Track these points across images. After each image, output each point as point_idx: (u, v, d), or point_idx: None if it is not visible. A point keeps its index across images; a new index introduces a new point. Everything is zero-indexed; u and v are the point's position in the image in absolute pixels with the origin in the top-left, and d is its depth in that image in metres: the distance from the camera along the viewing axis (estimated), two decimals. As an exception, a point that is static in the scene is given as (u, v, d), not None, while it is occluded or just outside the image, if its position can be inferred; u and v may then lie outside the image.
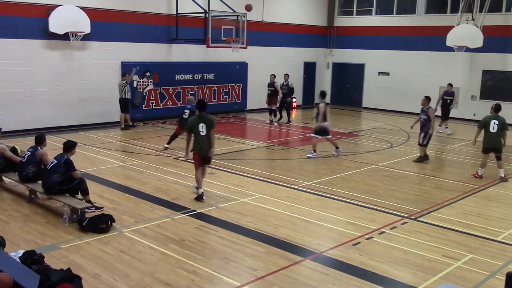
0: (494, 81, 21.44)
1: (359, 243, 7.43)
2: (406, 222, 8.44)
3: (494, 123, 11.42)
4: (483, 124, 11.63)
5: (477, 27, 20.08)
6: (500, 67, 21.05)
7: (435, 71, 22.47)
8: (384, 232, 7.93)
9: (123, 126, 16.81)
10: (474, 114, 21.29)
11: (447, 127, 18.13)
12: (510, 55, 20.64)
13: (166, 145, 13.76)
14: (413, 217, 8.72)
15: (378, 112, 23.77)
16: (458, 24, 20.50)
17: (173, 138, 13.84)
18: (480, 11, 20.63)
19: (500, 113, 11.60)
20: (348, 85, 25.76)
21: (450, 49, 20.49)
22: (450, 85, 17.84)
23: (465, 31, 20.08)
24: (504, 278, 3.49)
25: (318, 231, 8.01)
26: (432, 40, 21.82)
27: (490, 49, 20.33)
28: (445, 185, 10.98)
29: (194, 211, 8.67)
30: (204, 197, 9.30)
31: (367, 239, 7.60)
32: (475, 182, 11.32)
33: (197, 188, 9.46)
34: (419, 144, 13.33)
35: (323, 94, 13.82)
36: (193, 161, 9.71)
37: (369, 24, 24.66)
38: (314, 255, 6.95)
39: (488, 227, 8.30)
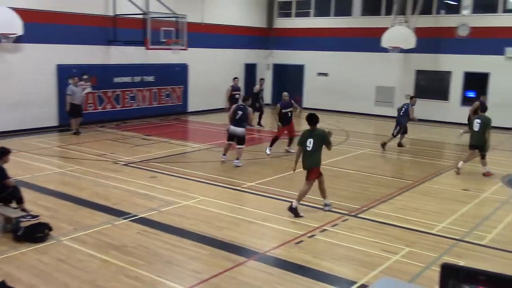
0: (427, 80, 22.35)
1: (302, 241, 7.53)
2: (347, 219, 8.64)
3: (477, 122, 12.09)
4: (471, 124, 12.71)
5: (410, 29, 20.84)
6: (432, 67, 21.97)
7: (371, 71, 23.15)
8: (326, 230, 8.07)
9: (75, 131, 16.21)
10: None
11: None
12: (441, 55, 21.58)
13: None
14: (353, 214, 8.94)
15: (318, 112, 23.98)
16: (392, 26, 21.20)
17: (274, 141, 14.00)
18: (413, 13, 21.44)
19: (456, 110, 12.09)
20: (289, 86, 26.10)
21: (386, 50, 21.16)
22: None
23: (398, 33, 20.79)
24: (439, 269, 3.64)
25: (261, 231, 8.06)
26: (368, 41, 22.45)
27: (422, 50, 21.15)
28: (384, 182, 11.32)
29: (136, 216, 8.51)
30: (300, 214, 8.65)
31: (310, 237, 7.72)
32: (411, 178, 11.74)
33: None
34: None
35: (245, 99, 13.34)
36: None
37: (308, 25, 25.10)
38: (258, 255, 6.98)
39: (424, 221, 8.62)
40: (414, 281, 6.14)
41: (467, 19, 21.01)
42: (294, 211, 8.63)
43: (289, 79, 26.07)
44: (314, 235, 7.82)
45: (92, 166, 12.00)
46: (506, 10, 20.83)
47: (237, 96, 18.13)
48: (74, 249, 7.03)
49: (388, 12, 22.52)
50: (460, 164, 12.26)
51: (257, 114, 18.58)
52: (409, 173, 12.37)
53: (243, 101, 13.26)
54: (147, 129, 17.71)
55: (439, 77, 21.98)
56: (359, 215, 8.88)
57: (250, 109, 12.84)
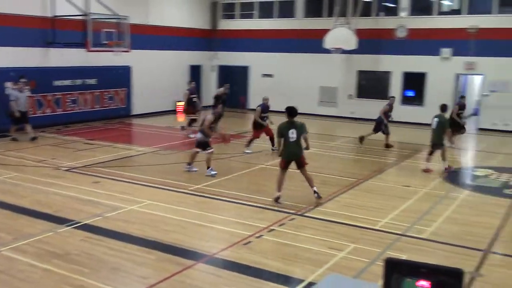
0: (368, 80, 22.97)
1: (250, 242, 7.55)
2: (294, 219, 8.73)
3: (435, 121, 12.66)
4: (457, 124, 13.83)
5: (351, 30, 21.34)
6: (373, 68, 22.59)
7: (315, 72, 23.54)
8: (273, 229, 8.14)
9: (33, 136, 15.55)
10: (352, 112, 22.68)
11: None
12: (382, 56, 22.22)
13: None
14: (300, 213, 9.05)
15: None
16: (334, 28, 21.63)
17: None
18: (354, 15, 21.97)
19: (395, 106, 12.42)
20: (234, 87, 26.13)
21: (328, 51, 21.56)
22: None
23: (340, 34, 21.24)
24: (383, 264, 3.75)
25: (209, 233, 8.02)
26: (311, 42, 22.81)
27: (363, 51, 21.70)
28: (329, 181, 11.52)
29: (79, 222, 8.27)
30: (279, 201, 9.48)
31: (258, 237, 7.75)
32: (356, 176, 12.01)
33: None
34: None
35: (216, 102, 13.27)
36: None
37: (252, 27, 25.23)
38: (205, 258, 6.95)
39: (368, 217, 8.85)
40: (359, 277, 6.29)
41: (405, 21, 21.75)
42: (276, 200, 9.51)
43: (234, 81, 26.07)
44: (262, 235, 7.86)
45: (33, 173, 11.57)
46: (441, 13, 21.71)
47: (194, 99, 17.73)
48: (14, 259, 6.75)
49: (330, 14, 22.97)
50: (428, 165, 12.65)
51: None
52: (354, 171, 12.65)
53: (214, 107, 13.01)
54: (90, 133, 17.26)
55: (380, 77, 22.63)
56: (306, 214, 9.00)
57: (209, 116, 12.10)
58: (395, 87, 22.17)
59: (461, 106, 16.13)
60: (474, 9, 20.80)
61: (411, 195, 10.43)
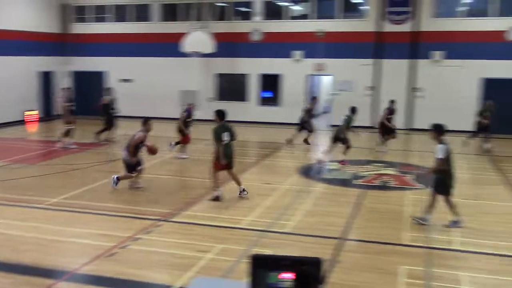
0: (227, 83, 23.47)
1: (115, 253, 7.31)
2: (160, 225, 8.63)
3: (343, 119, 14.16)
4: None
5: (208, 34, 21.61)
6: (231, 70, 23.14)
7: (174, 76, 23.47)
8: (140, 238, 7.96)
9: None
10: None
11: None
12: (239, 59, 22.86)
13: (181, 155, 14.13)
14: (166, 218, 8.96)
15: (124, 119, 23.65)
16: (191, 31, 21.72)
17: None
18: (210, 19, 22.30)
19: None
20: (91, 93, 25.03)
21: (187, 54, 21.62)
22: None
23: (197, 38, 21.39)
24: (248, 261, 3.88)
25: (70, 249, 7.61)
26: (169, 46, 22.67)
27: (221, 54, 22.12)
28: (193, 184, 11.58)
29: None
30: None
31: (123, 248, 7.53)
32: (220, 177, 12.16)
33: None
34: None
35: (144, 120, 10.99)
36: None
37: (107, 31, 24.39)
38: (67, 275, 6.58)
39: (233, 217, 9.06)
40: (227, 276, 6.42)
41: (259, 25, 22.61)
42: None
43: (91, 87, 24.95)
44: (128, 245, 7.65)
45: None
46: (292, 17, 22.93)
47: (70, 107, 16.17)
48: None
49: (187, 17, 23.06)
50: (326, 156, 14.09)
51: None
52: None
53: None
54: None
55: (238, 79, 23.24)
56: (171, 219, 8.94)
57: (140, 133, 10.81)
58: (253, 89, 22.97)
59: (391, 111, 16.41)
60: (321, 14, 22.30)
61: (272, 192, 10.87)
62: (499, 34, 19.92)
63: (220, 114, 10.18)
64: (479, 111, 16.87)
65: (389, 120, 16.10)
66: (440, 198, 8.67)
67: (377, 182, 11.94)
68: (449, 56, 20.44)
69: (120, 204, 9.88)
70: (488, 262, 7.28)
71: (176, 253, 7.30)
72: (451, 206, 8.63)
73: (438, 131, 8.54)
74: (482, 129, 16.41)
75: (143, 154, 11.04)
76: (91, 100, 24.90)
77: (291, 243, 7.86)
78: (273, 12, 23.16)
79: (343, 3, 21.91)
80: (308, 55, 21.93)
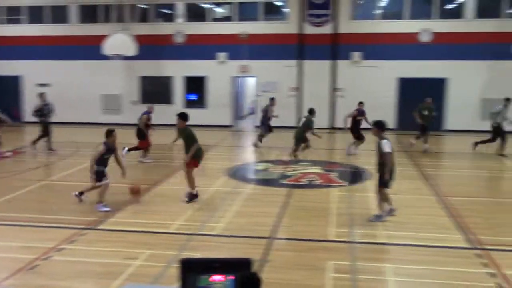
0: (152, 86, 23.11)
1: (37, 265, 6.96)
2: (85, 233, 8.33)
3: (302, 120, 14.86)
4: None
5: (130, 36, 21.17)
6: (155, 73, 22.81)
7: (96, 80, 22.79)
8: (63, 248, 7.64)
9: None
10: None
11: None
12: (163, 61, 22.57)
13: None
14: (91, 227, 8.67)
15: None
16: (112, 34, 21.18)
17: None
18: (131, 21, 21.85)
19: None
20: (6, 99, 23.76)
21: (108, 57, 21.04)
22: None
23: (119, 40, 20.90)
24: (178, 265, 3.83)
25: (-13, 263, 7.17)
26: (90, 49, 22.00)
27: (144, 57, 21.74)
28: (120, 189, 11.24)
29: None
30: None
31: (46, 259, 7.19)
32: (147, 182, 11.93)
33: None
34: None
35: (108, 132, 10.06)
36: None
37: (21, 33, 23.26)
38: (-15, 292, 6.20)
39: (162, 222, 8.90)
40: (157, 282, 6.31)
41: (182, 27, 22.44)
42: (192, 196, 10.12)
43: (5, 92, 23.71)
44: (51, 256, 7.31)
45: None
46: (215, 19, 22.96)
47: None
48: None
49: (107, 19, 22.46)
50: (286, 157, 14.46)
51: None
52: (145, 178, 12.59)
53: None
54: None
55: (163, 82, 22.94)
56: (97, 227, 8.66)
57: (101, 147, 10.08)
58: (178, 92, 22.76)
59: (360, 112, 16.07)
60: (243, 16, 22.49)
61: (200, 194, 10.79)
62: (412, 36, 20.99)
63: (185, 116, 10.41)
64: (418, 110, 16.35)
65: (359, 122, 15.70)
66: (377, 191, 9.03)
67: (303, 181, 12.19)
68: (367, 57, 21.29)
69: (42, 214, 9.44)
70: (410, 253, 7.64)
71: (103, 262, 7.08)
72: (386, 199, 9.00)
73: (380, 127, 8.89)
74: (423, 129, 16.07)
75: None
76: (6, 106, 23.72)
77: (221, 245, 7.85)
78: (196, 14, 23.08)
79: (265, 6, 22.22)
80: (232, 57, 22.04)
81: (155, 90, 23.03)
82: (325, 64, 21.66)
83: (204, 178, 12.42)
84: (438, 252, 7.68)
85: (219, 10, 23.49)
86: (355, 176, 13.08)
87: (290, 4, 21.98)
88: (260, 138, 17.15)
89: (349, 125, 15.94)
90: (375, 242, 8.07)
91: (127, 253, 7.41)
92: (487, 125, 20.26)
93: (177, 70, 22.55)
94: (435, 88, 20.82)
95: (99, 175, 9.81)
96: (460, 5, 21.21)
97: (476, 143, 15.88)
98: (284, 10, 22.56)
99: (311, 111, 14.78)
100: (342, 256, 7.40)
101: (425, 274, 6.84)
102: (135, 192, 10.27)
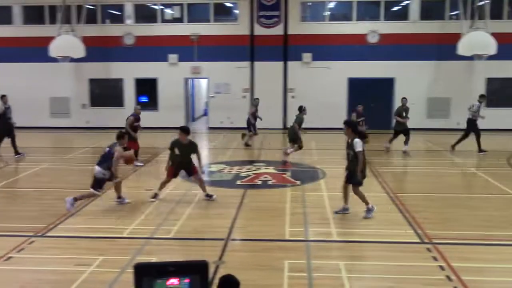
0: (101, 88, 22.63)
1: (-17, 276, 6.69)
2: (34, 241, 8.05)
3: (294, 119, 14.58)
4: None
5: (78, 37, 20.66)
6: (105, 75, 22.35)
7: (43, 83, 22.12)
8: (11, 257, 7.36)
9: None
10: (88, 122, 22.06)
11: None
12: (112, 63, 22.16)
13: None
14: (40, 234, 8.39)
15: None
16: (59, 35, 20.58)
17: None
18: (78, 22, 21.31)
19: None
20: None
21: (56, 59, 20.46)
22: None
23: (66, 42, 20.37)
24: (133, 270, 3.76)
25: None
26: (35, 51, 21.35)
27: (93, 59, 21.27)
28: (67, 195, 10.94)
29: None
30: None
31: (-8, 269, 6.92)
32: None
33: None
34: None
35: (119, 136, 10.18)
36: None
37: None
38: None
39: (114, 227, 8.72)
40: (111, 288, 6.18)
41: (131, 29, 22.08)
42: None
43: None
44: (-2, 266, 7.04)
45: None
46: (165, 21, 22.72)
47: None
48: None
49: (53, 20, 21.84)
50: (285, 156, 14.38)
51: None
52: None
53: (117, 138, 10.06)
54: None
55: (112, 84, 22.51)
56: (47, 234, 8.39)
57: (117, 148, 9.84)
58: (129, 94, 22.37)
59: (359, 114, 15.95)
60: (194, 18, 22.37)
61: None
62: (361, 37, 21.45)
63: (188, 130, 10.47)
64: (397, 113, 16.19)
65: (359, 123, 15.10)
66: (350, 189, 9.24)
67: (257, 182, 12.23)
68: (318, 58, 21.61)
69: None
70: (363, 249, 7.80)
71: (54, 270, 6.87)
72: (347, 196, 9.23)
73: (352, 126, 9.12)
74: (400, 132, 15.86)
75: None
76: None
77: (177, 248, 7.78)
78: (146, 15, 22.80)
79: (215, 7, 22.19)
80: (184, 58, 21.89)
81: (105, 93, 22.58)
82: (277, 65, 21.83)
83: (157, 181, 12.24)
84: (390, 247, 7.88)
85: (169, 11, 23.27)
86: (308, 175, 13.23)
87: (241, 5, 22.03)
88: (246, 138, 17.40)
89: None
90: (329, 240, 8.19)
91: (79, 260, 7.22)
92: (433, 124, 20.96)
93: (127, 72, 22.18)
94: (383, 88, 21.38)
95: (101, 183, 9.72)
96: (405, 7, 21.85)
97: (453, 146, 16.12)
98: (235, 11, 22.58)
99: (301, 108, 14.84)
100: (297, 255, 7.47)
101: (378, 270, 7.00)
102: (130, 161, 10.37)
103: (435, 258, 7.27)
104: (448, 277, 6.58)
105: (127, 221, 9.03)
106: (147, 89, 22.36)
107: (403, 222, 8.98)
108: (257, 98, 18.63)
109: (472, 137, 15.74)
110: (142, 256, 7.31)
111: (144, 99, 22.47)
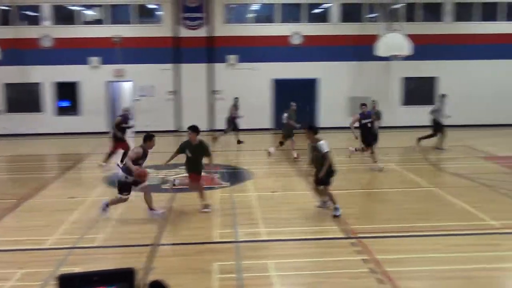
0: (17, 93, 21.57)
1: None
2: None
3: (285, 116, 15.13)
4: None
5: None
6: (21, 80, 21.28)
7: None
8: None
9: None
10: (4, 128, 20.99)
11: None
12: (29, 67, 21.12)
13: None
14: (-47, 249, 7.88)
15: None
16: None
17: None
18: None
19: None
20: None
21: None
22: None
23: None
24: (56, 282, 3.60)
25: None
26: None
27: (9, 62, 20.22)
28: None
29: None
30: None
31: None
32: (15, 196, 11.12)
33: None
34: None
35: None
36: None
37: None
38: None
39: (35, 238, 8.35)
40: (33, 302, 5.90)
41: (49, 30, 21.19)
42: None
43: None
44: None
45: None
46: (85, 22, 22.01)
47: None
48: None
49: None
50: (272, 149, 14.92)
51: None
52: (14, 192, 11.70)
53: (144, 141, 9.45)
54: None
55: (30, 89, 21.51)
56: (-40, 250, 7.89)
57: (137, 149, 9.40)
58: (48, 99, 21.47)
59: (365, 115, 13.78)
60: (116, 20, 21.82)
61: (77, 206, 10.29)
62: (284, 38, 21.82)
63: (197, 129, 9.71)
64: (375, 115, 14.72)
65: (365, 125, 13.78)
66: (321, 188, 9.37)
67: (185, 185, 12.11)
68: (243, 60, 21.74)
69: None
70: (290, 247, 7.95)
71: (-30, 287, 6.47)
72: (322, 194, 9.43)
73: (313, 130, 9.42)
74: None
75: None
76: None
77: (103, 257, 7.56)
78: (64, 17, 21.95)
79: (137, 9, 21.78)
80: (106, 61, 21.29)
81: (21, 98, 21.51)
82: (202, 67, 21.74)
83: (81, 189, 11.84)
84: (315, 244, 8.09)
85: (89, 12, 22.55)
86: (236, 176, 13.29)
87: (164, 7, 21.75)
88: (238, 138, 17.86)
89: (356, 135, 14.05)
90: (258, 239, 8.27)
91: (-3, 274, 6.84)
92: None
93: (45, 76, 21.23)
94: (307, 88, 21.87)
95: (125, 187, 9.15)
96: (326, 10, 22.47)
97: (419, 139, 16.63)
98: (158, 13, 22.27)
99: (291, 106, 15.32)
100: (227, 256, 7.48)
101: (304, 267, 7.16)
102: (142, 176, 9.25)
103: (359, 252, 7.54)
104: (372, 269, 6.85)
105: (49, 231, 8.65)
106: (68, 93, 21.53)
107: (327, 219, 9.23)
108: (237, 97, 18.67)
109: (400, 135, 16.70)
110: (65, 267, 7.03)
111: (65, 104, 21.63)
